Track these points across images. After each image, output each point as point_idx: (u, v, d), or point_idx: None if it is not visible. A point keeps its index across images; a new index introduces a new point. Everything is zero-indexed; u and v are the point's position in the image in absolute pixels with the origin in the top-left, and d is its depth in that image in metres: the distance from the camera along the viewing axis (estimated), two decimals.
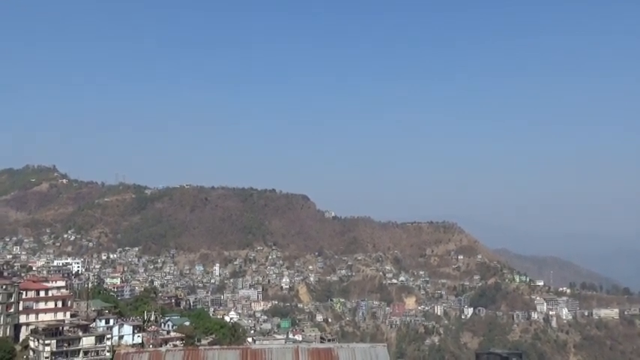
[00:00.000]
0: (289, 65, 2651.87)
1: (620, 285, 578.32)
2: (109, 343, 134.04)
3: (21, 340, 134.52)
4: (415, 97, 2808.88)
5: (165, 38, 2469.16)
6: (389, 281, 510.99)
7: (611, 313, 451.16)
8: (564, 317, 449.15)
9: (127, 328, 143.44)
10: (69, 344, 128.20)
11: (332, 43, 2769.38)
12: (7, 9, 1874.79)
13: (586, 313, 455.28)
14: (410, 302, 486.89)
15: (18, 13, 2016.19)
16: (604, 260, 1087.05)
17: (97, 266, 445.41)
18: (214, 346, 67.94)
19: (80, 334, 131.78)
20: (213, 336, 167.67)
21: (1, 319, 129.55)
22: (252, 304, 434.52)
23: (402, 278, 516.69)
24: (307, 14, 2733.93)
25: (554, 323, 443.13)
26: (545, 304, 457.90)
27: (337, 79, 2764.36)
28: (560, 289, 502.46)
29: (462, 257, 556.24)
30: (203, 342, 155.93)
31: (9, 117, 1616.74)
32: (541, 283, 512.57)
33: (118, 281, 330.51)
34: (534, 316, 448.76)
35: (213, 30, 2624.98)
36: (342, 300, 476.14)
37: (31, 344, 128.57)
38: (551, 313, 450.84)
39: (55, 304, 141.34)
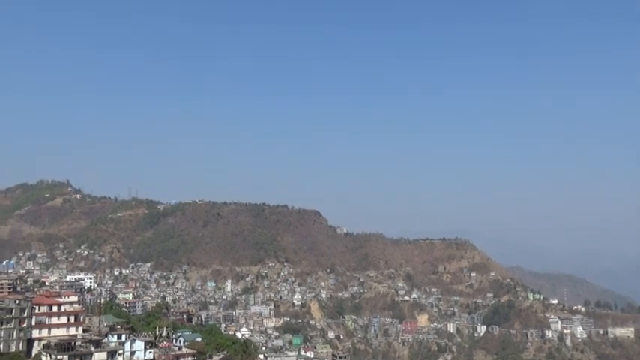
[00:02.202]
0: (304, 81, 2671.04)
1: (635, 303, 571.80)
2: (120, 358, 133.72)
3: (33, 354, 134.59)
4: (428, 114, 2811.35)
5: (176, 53, 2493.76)
6: (401, 298, 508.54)
7: (626, 331, 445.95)
8: (579, 335, 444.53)
9: (139, 344, 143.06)
10: (81, 359, 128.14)
11: (342, 58, 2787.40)
12: (21, 22, 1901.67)
13: (601, 332, 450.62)
14: (422, 319, 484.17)
15: (32, 25, 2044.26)
16: (617, 276, 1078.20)
17: (110, 281, 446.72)
18: None
19: (92, 349, 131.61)
20: (225, 352, 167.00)
21: (14, 333, 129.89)
22: (264, 320, 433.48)
23: (414, 295, 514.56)
24: (319, 28, 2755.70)
25: (568, 342, 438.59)
26: (559, 322, 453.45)
27: (350, 96, 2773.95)
28: (575, 307, 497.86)
29: (474, 274, 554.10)
30: (214, 358, 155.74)
31: (24, 132, 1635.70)
32: (555, 301, 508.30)
33: (130, 296, 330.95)
34: (548, 334, 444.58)
35: (226, 45, 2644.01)
36: (354, 317, 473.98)
37: (44, 359, 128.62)
38: (565, 331, 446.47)
39: (68, 319, 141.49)
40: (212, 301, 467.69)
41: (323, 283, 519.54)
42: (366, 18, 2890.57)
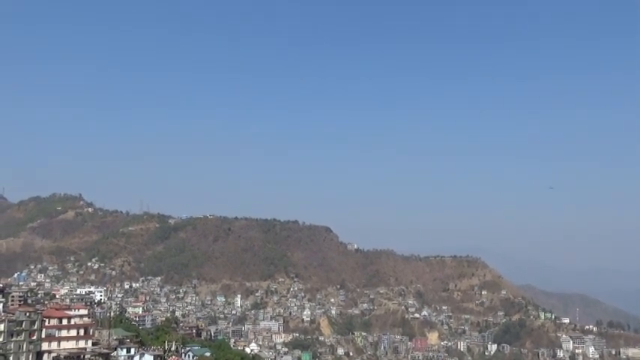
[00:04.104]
0: (317, 97, 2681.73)
1: None
2: None
3: None
4: (438, 130, 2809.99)
5: (191, 68, 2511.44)
6: (411, 315, 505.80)
7: (639, 352, 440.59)
8: (591, 356, 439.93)
9: (148, 358, 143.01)
10: None
11: (353, 75, 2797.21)
12: (40, 38, 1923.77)
13: (613, 352, 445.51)
14: (432, 337, 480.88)
15: (48, 42, 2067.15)
16: (630, 296, 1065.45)
17: (120, 295, 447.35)
18: None
19: None
20: None
21: (24, 346, 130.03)
22: (273, 335, 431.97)
23: (424, 313, 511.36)
24: (336, 45, 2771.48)
25: None
26: (571, 342, 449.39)
27: (363, 114, 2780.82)
28: (587, 327, 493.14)
29: (485, 292, 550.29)
30: None
31: (37, 146, 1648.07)
32: (567, 321, 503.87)
33: (139, 310, 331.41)
34: (560, 354, 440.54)
35: (236, 59, 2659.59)
36: (363, 334, 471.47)
37: None
38: (577, 351, 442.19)
39: (77, 332, 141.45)
40: (221, 316, 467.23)
41: (333, 300, 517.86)
42: (385, 36, 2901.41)
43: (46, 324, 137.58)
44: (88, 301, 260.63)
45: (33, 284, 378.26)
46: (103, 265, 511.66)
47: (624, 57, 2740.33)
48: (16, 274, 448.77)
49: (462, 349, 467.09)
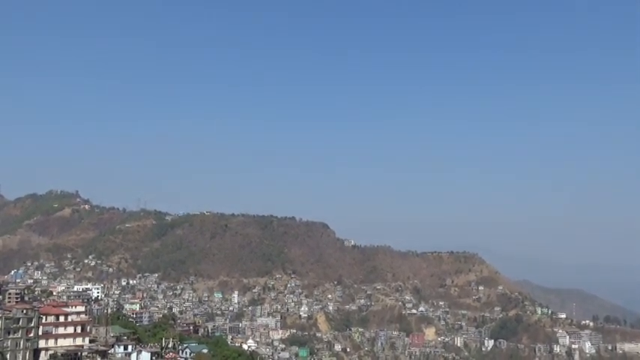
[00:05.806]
0: (311, 98, 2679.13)
1: None
2: None
3: None
4: (435, 127, 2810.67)
5: (188, 68, 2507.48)
6: (408, 311, 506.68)
7: (635, 347, 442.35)
8: (587, 351, 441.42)
9: (145, 355, 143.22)
10: None
11: (351, 74, 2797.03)
12: (47, 45, 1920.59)
13: (610, 347, 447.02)
14: (429, 333, 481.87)
15: (47, 42, 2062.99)
16: (627, 292, 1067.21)
17: (117, 292, 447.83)
18: None
19: (99, 359, 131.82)
20: None
21: (21, 343, 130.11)
22: (271, 332, 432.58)
23: (421, 308, 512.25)
24: (335, 46, 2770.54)
25: (577, 357, 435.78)
26: (567, 337, 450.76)
27: (359, 110, 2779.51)
28: (583, 322, 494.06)
29: (482, 288, 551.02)
30: None
31: (33, 142, 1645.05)
32: (563, 316, 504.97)
33: (137, 307, 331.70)
34: (557, 349, 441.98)
35: (233, 57, 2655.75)
36: (360, 329, 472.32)
37: None
38: (574, 346, 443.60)
39: (75, 330, 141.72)
40: (219, 312, 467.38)
41: (330, 296, 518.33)
42: (386, 43, 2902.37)
43: (43, 321, 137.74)
44: (85, 299, 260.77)
45: (30, 282, 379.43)
46: (100, 262, 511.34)
47: (623, 59, 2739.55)
48: (12, 272, 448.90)
49: (458, 345, 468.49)
